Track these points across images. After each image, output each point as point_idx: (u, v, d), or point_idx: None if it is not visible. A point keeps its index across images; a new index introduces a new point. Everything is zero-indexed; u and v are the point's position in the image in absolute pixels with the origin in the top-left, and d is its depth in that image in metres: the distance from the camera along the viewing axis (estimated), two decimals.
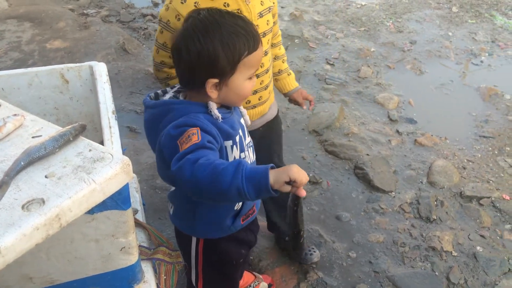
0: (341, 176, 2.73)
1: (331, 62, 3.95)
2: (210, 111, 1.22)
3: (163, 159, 1.21)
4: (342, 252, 2.26)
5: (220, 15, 1.20)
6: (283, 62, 1.90)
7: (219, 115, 1.23)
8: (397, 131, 3.13)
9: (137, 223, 1.56)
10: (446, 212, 2.46)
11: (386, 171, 2.74)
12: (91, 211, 1.00)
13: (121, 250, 1.16)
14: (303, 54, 4.07)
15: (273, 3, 1.66)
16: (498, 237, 2.32)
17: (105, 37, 4.10)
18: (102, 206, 1.01)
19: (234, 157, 1.30)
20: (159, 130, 1.21)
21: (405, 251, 2.26)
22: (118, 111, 3.22)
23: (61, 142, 1.00)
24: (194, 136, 1.12)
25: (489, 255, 2.20)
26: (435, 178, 2.67)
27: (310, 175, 2.71)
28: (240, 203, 1.41)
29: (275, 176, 1.04)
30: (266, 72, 1.69)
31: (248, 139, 1.41)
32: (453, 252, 2.23)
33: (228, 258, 1.53)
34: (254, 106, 1.74)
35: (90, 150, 1.01)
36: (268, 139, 1.92)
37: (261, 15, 1.57)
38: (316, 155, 2.89)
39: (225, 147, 1.26)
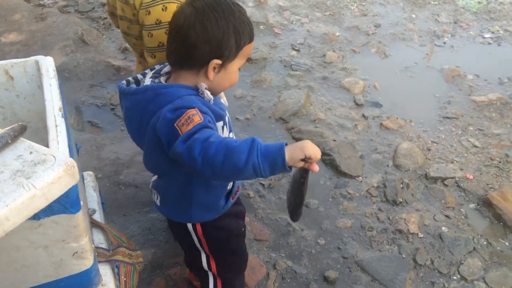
0: None
1: (297, 48, 3.92)
2: (202, 94, 1.24)
3: (156, 144, 1.21)
4: (311, 240, 2.25)
5: (231, 2, 1.25)
6: None
7: (211, 97, 1.25)
8: (363, 116, 3.13)
9: (95, 224, 1.51)
10: (412, 194, 2.49)
11: (353, 156, 2.74)
12: (36, 217, 0.95)
13: (73, 255, 1.11)
14: (269, 40, 4.02)
15: None
16: (462, 217, 2.36)
17: (63, 29, 3.94)
18: (48, 211, 0.96)
19: None
20: (145, 116, 1.22)
21: (372, 235, 2.27)
22: (78, 105, 3.13)
23: None
24: (195, 116, 1.12)
25: (454, 235, 2.24)
26: (400, 161, 2.69)
27: None
28: (231, 183, 1.45)
29: (290, 154, 1.08)
30: None
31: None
32: (419, 233, 2.26)
33: (230, 232, 1.54)
34: None
35: (30, 153, 0.95)
36: None
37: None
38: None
39: (217, 128, 1.28)
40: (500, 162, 2.70)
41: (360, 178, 2.61)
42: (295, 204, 1.32)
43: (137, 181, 2.54)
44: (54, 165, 0.92)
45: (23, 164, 0.92)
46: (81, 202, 1.09)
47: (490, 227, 2.31)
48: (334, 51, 3.89)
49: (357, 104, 3.25)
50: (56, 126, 1.13)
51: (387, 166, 2.69)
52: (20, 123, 1.00)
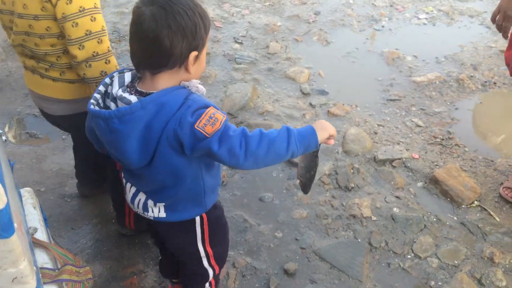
0: None
1: (240, 41, 3.88)
2: (197, 90, 1.22)
3: (172, 152, 1.20)
4: (268, 234, 2.24)
5: None
6: None
7: (204, 89, 1.24)
8: (310, 104, 3.15)
9: (37, 244, 1.43)
10: (363, 179, 2.53)
11: None
12: None
13: (12, 281, 1.04)
14: (210, 34, 3.93)
15: None
16: (412, 196, 2.43)
17: None
18: None
19: None
20: (152, 130, 1.17)
21: (328, 223, 2.29)
22: (13, 116, 2.95)
23: None
24: (217, 114, 1.16)
25: (405, 215, 2.30)
26: (349, 146, 2.73)
27: None
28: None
29: (320, 136, 1.26)
30: None
31: None
32: (372, 217, 2.30)
33: (222, 214, 1.62)
34: None
35: None
36: None
37: None
38: None
39: None
40: (443, 139, 2.80)
41: None
42: (310, 177, 1.46)
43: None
44: None
45: None
46: (15, 225, 1.02)
47: (438, 203, 2.39)
48: (277, 41, 3.89)
49: (303, 93, 3.26)
50: None
51: (337, 153, 2.72)
52: None
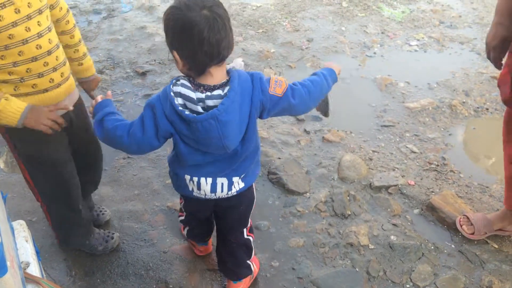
0: (256, 184, 2.68)
1: (233, 68, 3.90)
2: (241, 65, 1.82)
3: (255, 121, 1.51)
4: (265, 263, 2.21)
5: None
6: (75, 52, 1.93)
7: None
8: (305, 130, 3.15)
9: (30, 279, 1.39)
10: (359, 206, 2.52)
11: (299, 173, 2.74)
12: None
13: None
14: None
15: None
16: (409, 223, 2.41)
17: None
18: None
19: None
20: (242, 110, 1.43)
21: (325, 251, 2.26)
22: (4, 144, 2.91)
23: None
24: (278, 77, 1.52)
25: (403, 243, 2.28)
26: (345, 173, 2.72)
27: None
28: None
29: (336, 72, 1.75)
30: (57, 48, 1.70)
31: None
32: (369, 245, 2.28)
33: None
34: (59, 85, 1.74)
35: None
36: (81, 116, 2.00)
37: None
38: None
39: None
40: (438, 165, 2.81)
41: (308, 194, 2.61)
42: (326, 103, 1.79)
43: None
44: None
45: None
46: (8, 263, 0.99)
47: (436, 231, 2.37)
48: (270, 67, 3.92)
49: (298, 119, 3.27)
50: None
51: (333, 179, 2.71)
52: None
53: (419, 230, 2.38)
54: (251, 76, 1.46)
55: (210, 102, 1.37)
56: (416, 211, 2.49)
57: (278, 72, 3.84)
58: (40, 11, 1.60)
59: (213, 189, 1.61)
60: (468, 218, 2.31)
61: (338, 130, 3.14)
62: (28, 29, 1.56)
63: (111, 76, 3.74)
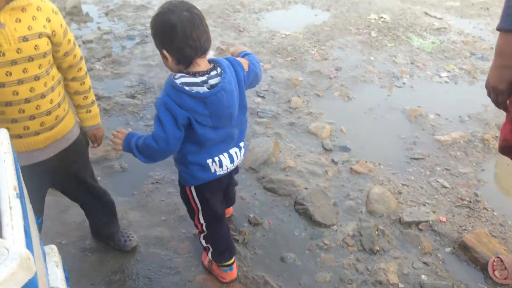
0: (282, 214, 2.67)
1: (262, 95, 3.94)
2: (213, 54, 1.84)
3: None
4: None
5: None
6: (84, 99, 1.94)
7: None
8: (333, 161, 3.13)
9: None
10: (388, 241, 2.46)
11: (326, 204, 2.71)
12: None
13: None
14: None
15: (53, 31, 1.66)
16: (440, 262, 2.34)
17: None
18: None
19: None
20: (238, 84, 1.72)
21: None
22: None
23: None
24: (239, 58, 1.86)
25: (434, 283, 2.21)
26: (373, 206, 2.68)
27: (251, 216, 2.63)
28: None
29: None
30: (42, 97, 1.69)
31: None
32: (399, 284, 2.22)
33: None
34: (37, 133, 1.74)
35: None
36: (70, 166, 1.98)
37: (25, 39, 1.57)
38: (255, 193, 2.82)
39: None
40: (470, 202, 2.73)
41: (335, 226, 2.57)
42: None
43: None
44: (7, 259, 0.83)
45: None
46: None
47: (468, 271, 2.30)
48: (298, 96, 3.93)
49: (325, 149, 3.25)
50: (10, 208, 1.04)
51: (361, 212, 2.67)
52: None
53: (451, 270, 2.30)
54: (227, 59, 1.74)
55: (212, 81, 1.64)
56: (448, 249, 2.42)
57: (306, 100, 3.85)
58: (30, 59, 1.60)
59: (232, 160, 1.88)
60: (502, 260, 2.23)
61: (366, 162, 3.10)
62: (9, 74, 1.56)
63: (142, 100, 3.81)
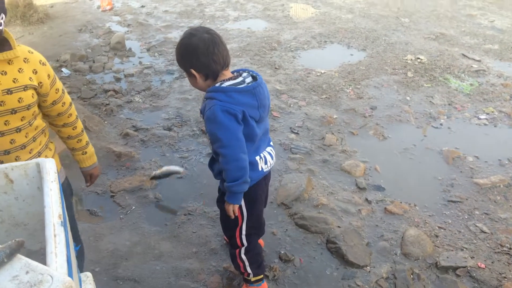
0: (313, 252, 2.63)
1: (296, 131, 3.96)
2: None
3: None
4: None
5: None
6: (78, 142, 1.95)
7: None
8: (366, 200, 3.08)
9: None
10: (424, 286, 2.37)
11: (359, 244, 2.65)
12: None
13: None
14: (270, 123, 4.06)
15: (40, 82, 1.65)
16: None
17: None
18: None
19: None
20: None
21: None
22: (78, 193, 3.07)
23: None
24: None
25: None
26: (409, 249, 2.60)
27: (282, 252, 2.59)
28: None
29: None
30: (22, 148, 1.66)
31: None
32: None
33: None
34: None
35: (27, 272, 0.89)
36: None
37: (9, 91, 1.54)
38: (287, 229, 2.79)
39: None
40: (510, 248, 2.62)
41: (368, 268, 2.50)
42: None
43: (136, 274, 2.43)
44: (51, 287, 0.85)
45: (18, 286, 0.85)
46: None
47: None
48: (332, 133, 3.93)
49: (359, 187, 3.21)
50: (54, 236, 1.07)
51: (395, 254, 2.59)
52: (17, 240, 0.95)
53: None
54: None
55: (247, 80, 1.80)
56: None
57: (340, 138, 3.84)
58: (13, 111, 1.58)
59: (271, 156, 2.00)
60: None
61: (401, 202, 3.04)
62: None
63: (178, 133, 3.90)
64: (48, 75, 1.70)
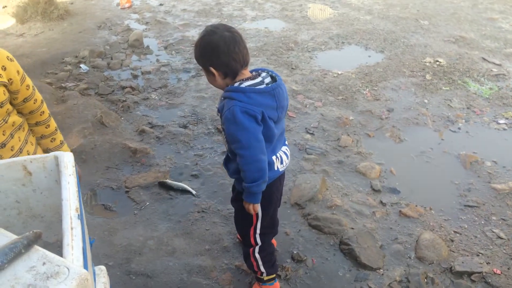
0: (326, 253, 2.62)
1: (311, 132, 3.94)
2: None
3: None
4: None
5: None
6: (52, 141, 1.93)
7: None
8: (381, 202, 3.06)
9: None
10: None
11: (373, 246, 2.63)
12: None
13: None
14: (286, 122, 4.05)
15: (10, 79, 1.63)
16: None
17: (82, 111, 4.05)
18: None
19: None
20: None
21: None
22: (93, 188, 3.11)
23: (10, 256, 0.89)
24: None
25: None
26: (423, 252, 2.57)
27: (295, 252, 2.59)
28: None
29: None
30: (2, 147, 1.66)
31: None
32: None
33: None
34: None
35: (44, 264, 0.90)
36: None
37: None
38: (300, 230, 2.78)
39: None
40: None
41: (381, 270, 2.48)
42: None
43: (148, 269, 2.45)
44: (67, 279, 0.86)
45: (35, 277, 0.86)
46: None
47: None
48: (348, 135, 3.90)
49: (374, 189, 3.19)
50: (71, 229, 1.08)
51: (409, 258, 2.56)
52: (34, 231, 0.97)
53: None
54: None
55: (266, 80, 1.79)
56: None
57: (355, 139, 3.82)
58: (1, 105, 1.60)
59: (287, 156, 2.00)
60: None
61: (416, 205, 3.00)
62: None
63: (193, 131, 3.92)
64: (18, 71, 1.68)
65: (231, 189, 2.18)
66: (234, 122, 1.70)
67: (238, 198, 2.01)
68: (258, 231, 2.09)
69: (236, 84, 1.76)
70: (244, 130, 1.70)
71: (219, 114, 1.84)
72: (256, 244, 2.14)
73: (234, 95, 1.72)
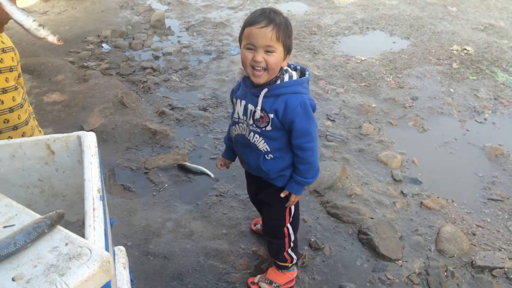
0: (344, 242, 2.59)
1: (332, 118, 3.89)
2: None
3: None
4: None
5: None
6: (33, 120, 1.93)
7: (238, 78, 2.03)
8: (402, 192, 3.01)
9: None
10: (458, 285, 2.30)
11: (392, 237, 2.59)
12: None
13: None
14: None
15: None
16: None
17: (104, 91, 4.06)
18: None
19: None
20: None
21: None
22: (113, 168, 3.13)
23: (34, 236, 0.88)
24: None
25: None
26: (444, 245, 2.52)
27: (312, 239, 2.57)
28: None
29: None
30: (20, 107, 1.73)
31: (244, 117, 1.87)
32: None
33: None
34: None
35: (66, 244, 0.89)
36: None
37: (4, 50, 1.66)
38: (318, 217, 2.76)
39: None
40: None
41: (400, 262, 2.45)
42: None
43: (166, 251, 2.46)
44: (89, 260, 0.86)
45: (57, 257, 0.86)
46: None
47: None
48: (370, 122, 3.84)
49: (395, 179, 3.13)
50: (93, 209, 1.08)
51: (429, 250, 2.52)
52: (57, 211, 0.96)
53: None
54: None
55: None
56: None
57: (377, 127, 3.75)
58: (11, 69, 1.68)
59: None
60: None
61: (438, 197, 2.94)
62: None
63: (213, 114, 3.90)
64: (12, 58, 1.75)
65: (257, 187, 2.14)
66: (306, 115, 1.67)
67: (277, 193, 1.94)
68: (292, 225, 2.10)
69: (294, 77, 1.75)
70: (314, 123, 1.71)
71: (264, 114, 1.73)
72: (290, 239, 2.14)
73: (300, 89, 1.71)
